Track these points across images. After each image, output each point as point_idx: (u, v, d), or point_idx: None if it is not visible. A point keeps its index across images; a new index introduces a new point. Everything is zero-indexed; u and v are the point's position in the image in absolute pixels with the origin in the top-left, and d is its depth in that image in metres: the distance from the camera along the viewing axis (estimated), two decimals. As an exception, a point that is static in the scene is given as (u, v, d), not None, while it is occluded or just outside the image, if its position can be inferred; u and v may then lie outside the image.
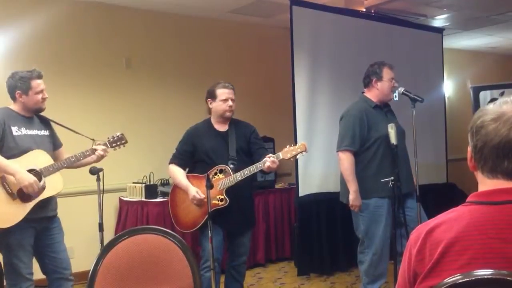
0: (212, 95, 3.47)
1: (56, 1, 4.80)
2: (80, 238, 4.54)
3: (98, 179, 3.22)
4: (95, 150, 3.23)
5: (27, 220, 2.99)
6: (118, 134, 3.37)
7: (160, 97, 5.44)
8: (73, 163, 3.21)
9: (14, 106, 3.14)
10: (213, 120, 3.52)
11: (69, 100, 4.81)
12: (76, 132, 3.34)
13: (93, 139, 3.30)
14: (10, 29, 4.57)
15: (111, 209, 4.96)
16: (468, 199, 1.16)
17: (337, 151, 3.63)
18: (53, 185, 3.11)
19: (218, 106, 3.44)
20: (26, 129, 3.12)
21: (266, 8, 5.46)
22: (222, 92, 3.43)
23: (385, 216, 3.53)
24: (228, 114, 3.46)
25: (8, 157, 2.98)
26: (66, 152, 3.35)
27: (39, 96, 3.12)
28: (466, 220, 1.10)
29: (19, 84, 3.07)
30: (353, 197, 3.54)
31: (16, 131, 3.06)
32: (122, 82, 5.22)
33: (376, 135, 3.55)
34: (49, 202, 3.15)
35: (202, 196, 3.29)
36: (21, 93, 3.08)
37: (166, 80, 5.49)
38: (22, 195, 3.00)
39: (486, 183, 1.15)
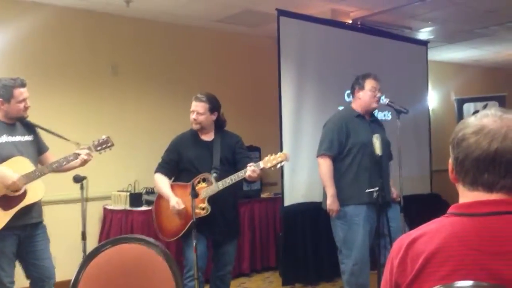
0: None
1: (44, 8, 4.77)
2: (63, 246, 4.48)
3: (81, 187, 3.19)
4: (78, 154, 3.16)
5: (9, 227, 2.95)
6: (103, 137, 3.31)
7: (146, 105, 5.42)
8: (56, 169, 3.15)
9: None
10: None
11: (54, 106, 4.77)
12: (61, 137, 3.27)
13: (77, 143, 3.24)
14: (-5, 34, 4.54)
15: (95, 218, 4.91)
16: (449, 210, 1.17)
17: (316, 157, 3.71)
18: (34, 192, 3.06)
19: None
20: (8, 136, 3.08)
21: (253, 18, 5.49)
22: (192, 104, 3.45)
23: (362, 225, 3.56)
24: (193, 126, 3.46)
25: None
26: (52, 156, 3.30)
27: (21, 105, 3.08)
28: (446, 231, 1.11)
29: (1, 93, 3.03)
30: (330, 201, 3.58)
31: None
32: (108, 89, 5.20)
33: (354, 142, 3.61)
34: (31, 209, 3.09)
35: (181, 206, 3.29)
36: (3, 101, 3.05)
37: (152, 88, 5.47)
38: (2, 203, 2.95)
39: (467, 195, 1.16)
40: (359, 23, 5.68)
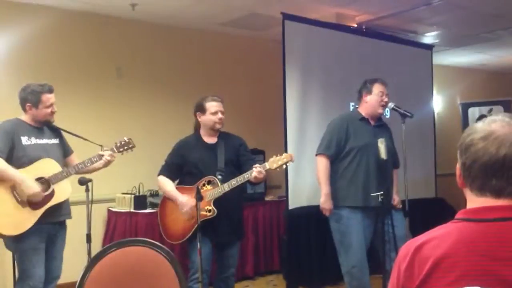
0: (201, 109, 3.48)
1: (49, 11, 4.80)
2: (68, 249, 4.46)
3: (87, 190, 3.23)
4: (102, 155, 3.32)
5: (39, 225, 3.08)
6: (125, 138, 3.46)
7: (150, 107, 5.43)
8: (81, 170, 3.30)
9: (24, 117, 3.25)
10: (202, 133, 3.53)
11: (59, 109, 4.77)
12: (85, 139, 3.42)
13: (101, 145, 3.40)
14: (0, 38, 4.56)
15: (99, 220, 4.92)
16: (457, 216, 1.17)
17: (315, 155, 3.75)
18: (62, 191, 3.20)
19: (207, 119, 3.46)
20: (36, 139, 3.22)
21: (258, 21, 5.50)
22: (211, 105, 3.45)
23: (357, 228, 3.56)
24: (218, 126, 3.47)
25: (18, 166, 3.08)
26: (76, 158, 3.45)
27: (48, 110, 3.24)
28: (454, 237, 1.11)
29: (30, 97, 3.19)
30: (323, 200, 3.61)
31: (26, 141, 3.16)
32: (112, 92, 5.21)
33: (353, 145, 3.62)
34: (60, 208, 3.24)
35: (193, 204, 3.28)
36: (31, 106, 3.20)
37: (156, 91, 5.48)
38: (32, 203, 3.06)
39: (474, 201, 1.16)
40: (364, 27, 5.68)
